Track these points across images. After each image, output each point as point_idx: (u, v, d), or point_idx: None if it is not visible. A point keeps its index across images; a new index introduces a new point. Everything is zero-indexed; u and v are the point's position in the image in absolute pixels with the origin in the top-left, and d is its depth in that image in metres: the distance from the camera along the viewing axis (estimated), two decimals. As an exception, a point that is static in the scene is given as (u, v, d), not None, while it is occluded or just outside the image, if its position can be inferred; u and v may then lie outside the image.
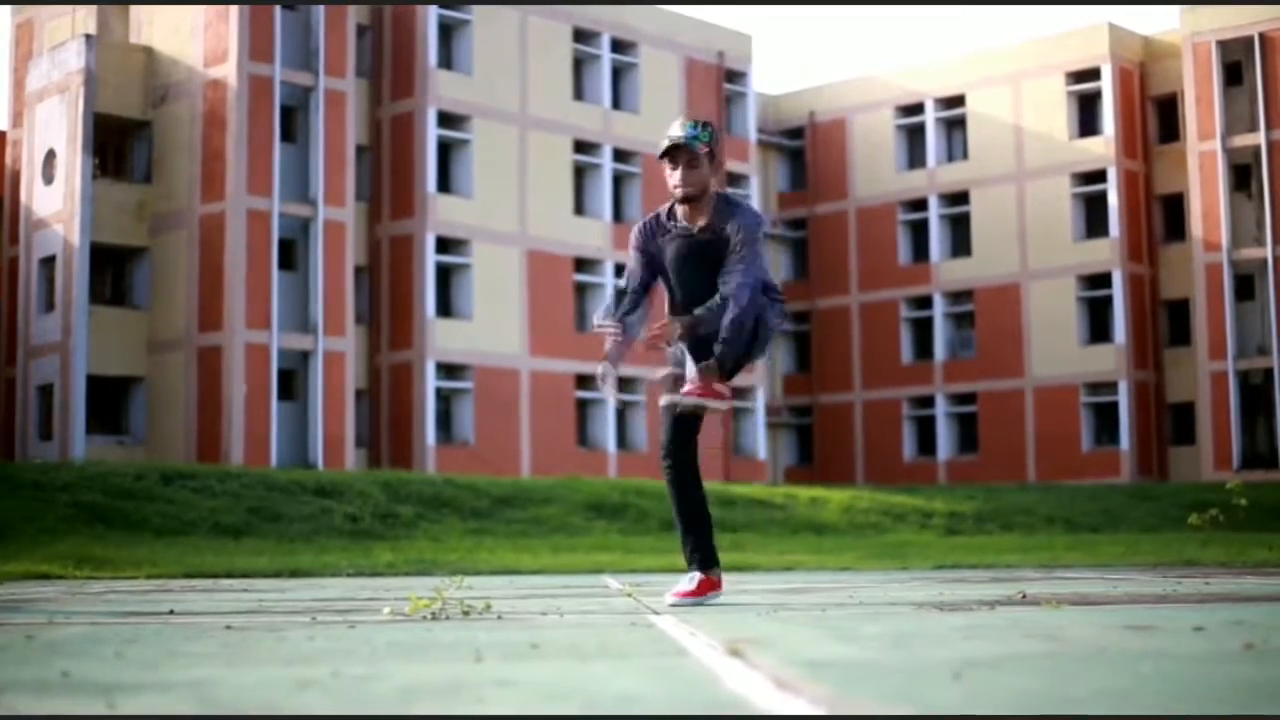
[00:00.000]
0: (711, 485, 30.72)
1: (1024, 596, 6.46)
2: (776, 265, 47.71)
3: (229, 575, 12.86)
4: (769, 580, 10.68)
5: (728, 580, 10.56)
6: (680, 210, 6.23)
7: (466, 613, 5.16)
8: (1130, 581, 8.78)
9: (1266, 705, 2.17)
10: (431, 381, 35.13)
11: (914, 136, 46.19)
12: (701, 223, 6.17)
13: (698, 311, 6.05)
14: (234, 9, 32.33)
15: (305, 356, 32.77)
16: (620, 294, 6.42)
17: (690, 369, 6.18)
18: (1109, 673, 2.67)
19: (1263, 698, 2.25)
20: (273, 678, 2.79)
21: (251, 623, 4.93)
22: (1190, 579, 9.08)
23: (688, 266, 6.17)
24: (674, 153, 6.12)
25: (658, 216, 6.33)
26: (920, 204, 45.60)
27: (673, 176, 6.15)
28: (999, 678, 2.59)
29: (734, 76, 42.52)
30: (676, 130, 6.15)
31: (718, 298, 6.04)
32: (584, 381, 37.75)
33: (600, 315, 6.36)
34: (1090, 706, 2.17)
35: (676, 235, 6.21)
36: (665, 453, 6.36)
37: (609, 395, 6.55)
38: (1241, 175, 40.80)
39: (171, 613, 5.83)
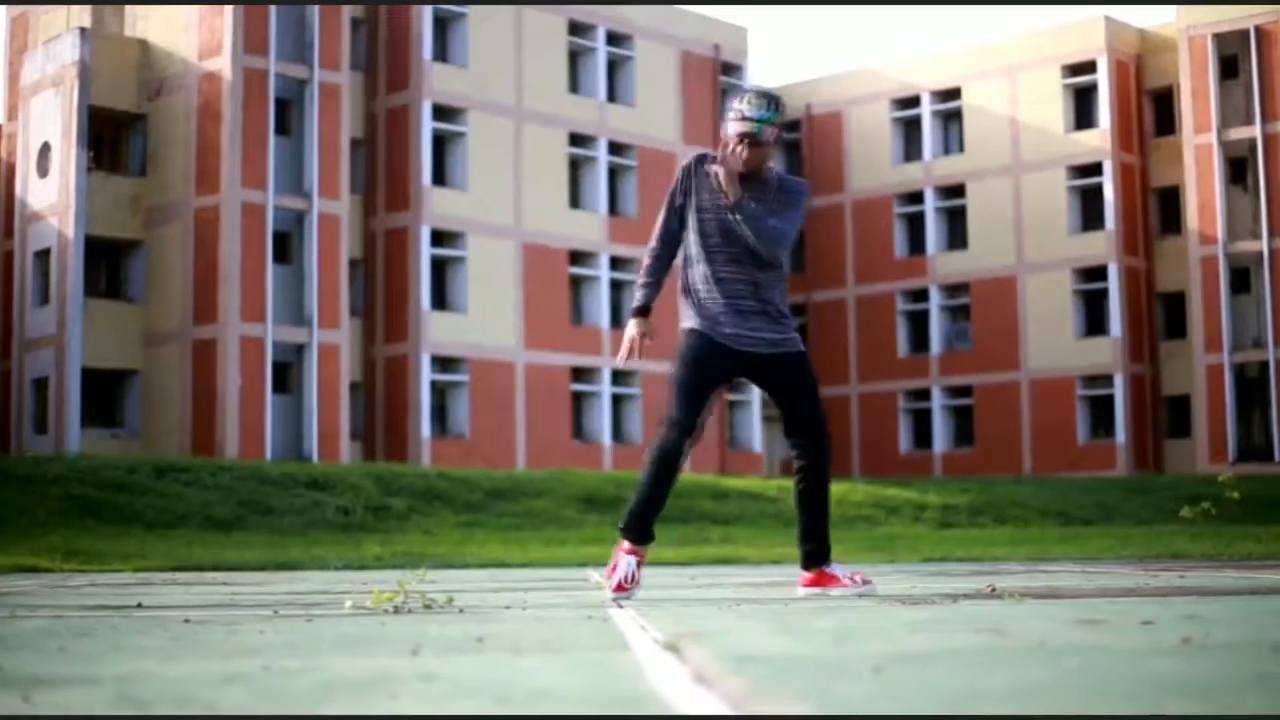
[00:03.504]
0: (706, 478, 30.80)
1: (992, 590, 6.46)
2: (773, 258, 47.64)
3: (216, 568, 12.87)
4: (751, 574, 10.70)
5: (715, 574, 10.60)
6: (722, 175, 6.10)
7: (428, 606, 5.17)
8: (1108, 575, 8.79)
9: (1172, 702, 2.17)
10: (426, 374, 35.15)
11: (910, 129, 46.19)
12: (751, 193, 6.11)
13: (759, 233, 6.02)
14: (228, 2, 32.35)
15: (300, 349, 32.78)
16: (655, 261, 6.21)
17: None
18: (1034, 668, 2.67)
19: (1173, 694, 2.26)
20: (202, 672, 2.80)
21: (212, 616, 4.93)
22: (1168, 572, 9.09)
23: (739, 231, 6.10)
24: (746, 138, 6.06)
25: (704, 169, 6.20)
26: (916, 197, 45.59)
27: (738, 152, 6.06)
28: (920, 673, 2.59)
29: (730, 69, 42.49)
30: (751, 109, 6.07)
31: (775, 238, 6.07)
32: (579, 374, 37.76)
33: (635, 326, 6.17)
34: (994, 704, 2.18)
35: (731, 200, 6.10)
36: (685, 425, 6.13)
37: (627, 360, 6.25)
38: (1237, 168, 40.80)
39: (139, 606, 5.84)
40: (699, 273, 6.17)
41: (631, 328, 6.20)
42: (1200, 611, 4.42)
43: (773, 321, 6.17)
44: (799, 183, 6.29)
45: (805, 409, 6.22)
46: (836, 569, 6.27)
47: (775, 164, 6.36)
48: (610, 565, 6.18)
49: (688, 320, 6.22)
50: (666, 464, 6.12)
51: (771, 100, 6.16)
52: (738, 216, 6.07)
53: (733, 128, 6.09)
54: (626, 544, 6.15)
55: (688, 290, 6.21)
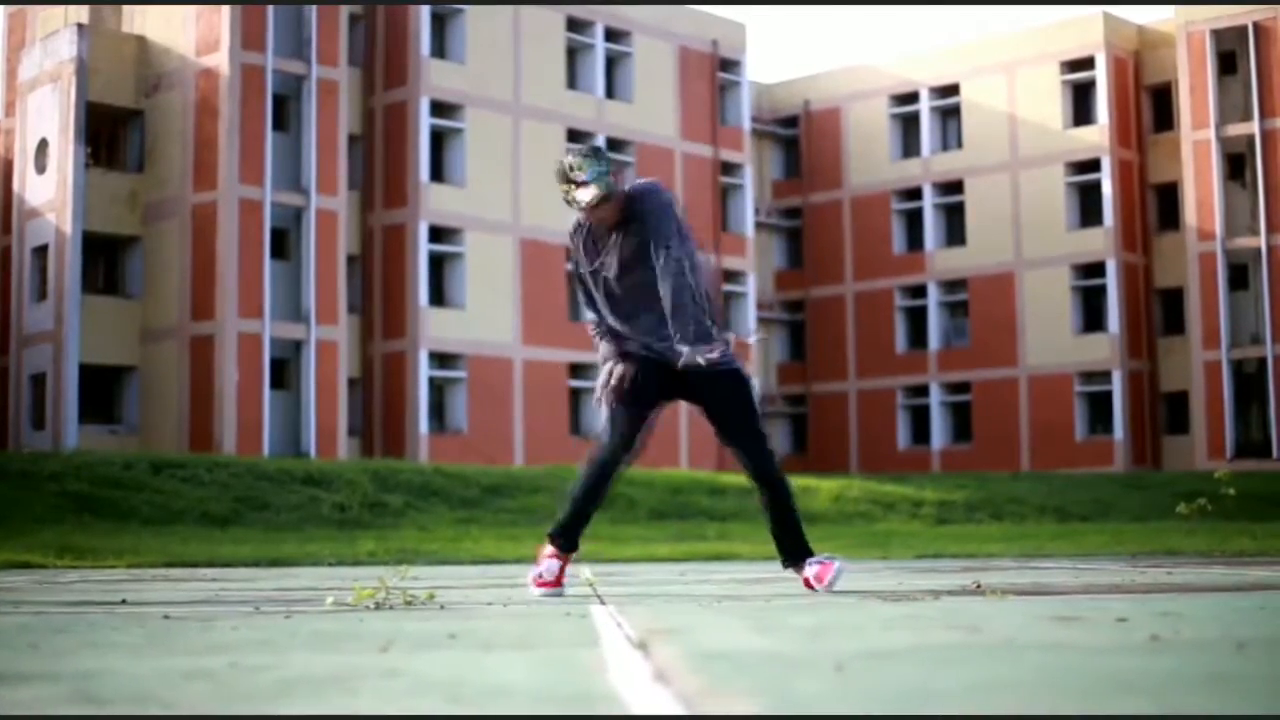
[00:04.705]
0: (703, 475, 30.79)
1: (977, 586, 6.47)
2: (770, 254, 47.71)
3: (210, 565, 12.88)
4: (743, 570, 10.70)
5: (707, 571, 10.61)
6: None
7: (409, 602, 5.17)
8: (1097, 571, 8.80)
9: (1122, 700, 2.18)
10: (424, 370, 35.15)
11: (908, 125, 46.17)
12: (616, 227, 6.13)
13: (681, 329, 6.04)
14: (226, -2, 32.33)
15: (298, 346, 32.78)
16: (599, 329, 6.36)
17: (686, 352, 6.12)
18: (996, 666, 2.68)
19: (1124, 692, 2.26)
20: (168, 669, 2.81)
21: (192, 613, 4.94)
22: (1157, 569, 9.10)
23: (626, 270, 6.14)
24: (596, 202, 6.02)
25: (587, 229, 6.22)
26: (915, 193, 45.59)
27: (593, 214, 6.07)
28: (881, 670, 2.60)
29: (728, 65, 42.47)
30: (582, 173, 5.97)
31: (668, 302, 6.04)
32: (577, 370, 37.76)
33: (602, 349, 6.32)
34: (945, 702, 2.18)
35: (606, 244, 6.15)
36: (625, 444, 6.34)
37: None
38: (1235, 164, 40.78)
39: (124, 602, 5.84)
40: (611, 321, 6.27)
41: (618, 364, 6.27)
42: (1177, 608, 4.42)
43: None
44: (639, 189, 6.20)
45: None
46: (808, 569, 6.27)
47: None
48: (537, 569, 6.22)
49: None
50: (608, 474, 6.35)
51: (593, 154, 6.05)
52: (612, 259, 6.13)
53: (582, 195, 5.99)
54: (551, 549, 6.25)
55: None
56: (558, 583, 6.23)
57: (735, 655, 2.98)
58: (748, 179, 42.42)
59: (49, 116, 32.87)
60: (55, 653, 3.24)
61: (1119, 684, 2.34)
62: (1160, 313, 43.21)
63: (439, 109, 36.34)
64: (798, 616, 4.33)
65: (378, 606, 5.04)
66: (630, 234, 6.12)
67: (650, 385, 6.29)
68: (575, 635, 3.69)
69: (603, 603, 5.38)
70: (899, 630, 3.66)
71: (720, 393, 6.25)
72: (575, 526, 6.32)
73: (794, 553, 6.32)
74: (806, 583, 6.22)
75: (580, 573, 9.80)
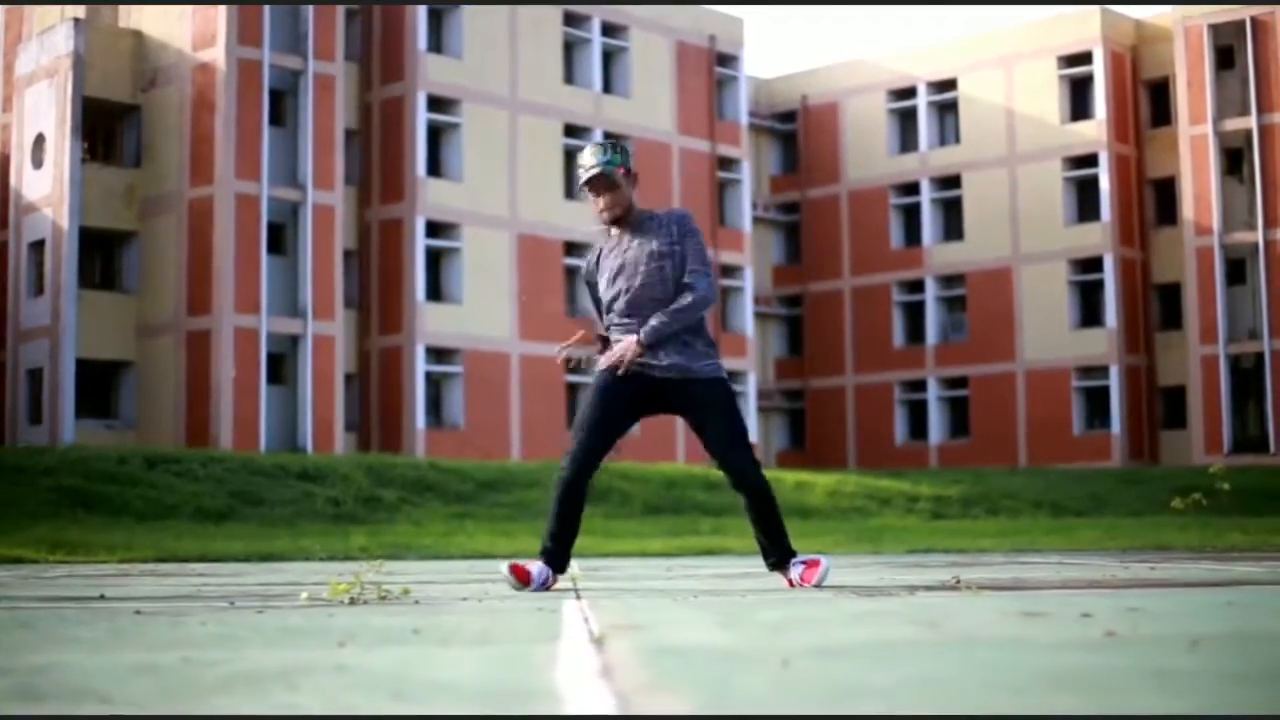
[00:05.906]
0: (699, 470, 30.79)
1: (956, 582, 6.47)
2: (768, 249, 47.71)
3: (202, 559, 12.89)
4: (731, 564, 10.71)
5: (694, 565, 10.62)
6: (612, 232, 6.37)
7: (383, 597, 5.18)
8: (1083, 566, 8.80)
9: (1058, 698, 2.18)
10: (421, 365, 35.15)
11: (906, 120, 46.15)
12: (632, 239, 6.28)
13: (655, 323, 6.13)
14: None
15: (294, 341, 32.79)
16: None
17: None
18: (943, 662, 2.68)
19: (1062, 689, 2.26)
20: (120, 664, 2.81)
21: (165, 608, 4.94)
22: (1142, 564, 9.11)
23: (625, 277, 6.26)
24: (594, 183, 6.21)
25: (599, 250, 6.47)
26: (912, 188, 45.57)
27: (597, 204, 6.28)
28: (826, 667, 2.60)
29: (725, 60, 42.45)
30: (589, 159, 6.23)
31: (685, 299, 6.16)
32: (575, 365, 37.73)
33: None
34: (875, 699, 2.19)
35: (615, 252, 6.31)
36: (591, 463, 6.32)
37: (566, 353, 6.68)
38: (1233, 159, 40.75)
39: (101, 597, 5.85)
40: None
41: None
42: (1146, 604, 4.43)
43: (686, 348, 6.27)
44: (681, 212, 6.42)
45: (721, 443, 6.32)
46: (793, 570, 6.29)
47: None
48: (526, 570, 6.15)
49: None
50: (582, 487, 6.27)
51: (609, 145, 6.33)
52: (628, 259, 6.28)
53: (582, 177, 6.26)
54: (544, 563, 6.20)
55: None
56: (541, 585, 6.15)
57: (688, 651, 2.99)
58: (745, 174, 42.42)
59: (46, 111, 32.87)
60: (13, 648, 3.25)
61: (1059, 681, 2.34)
62: (1158, 308, 43.21)
63: (436, 104, 36.33)
64: (766, 612, 4.33)
65: (352, 602, 5.05)
66: (647, 242, 6.25)
67: (620, 400, 6.31)
68: (537, 631, 3.69)
69: (578, 597, 5.39)
70: (860, 626, 3.66)
71: (703, 398, 6.26)
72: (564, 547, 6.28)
73: (780, 554, 6.32)
74: (791, 584, 6.24)
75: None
